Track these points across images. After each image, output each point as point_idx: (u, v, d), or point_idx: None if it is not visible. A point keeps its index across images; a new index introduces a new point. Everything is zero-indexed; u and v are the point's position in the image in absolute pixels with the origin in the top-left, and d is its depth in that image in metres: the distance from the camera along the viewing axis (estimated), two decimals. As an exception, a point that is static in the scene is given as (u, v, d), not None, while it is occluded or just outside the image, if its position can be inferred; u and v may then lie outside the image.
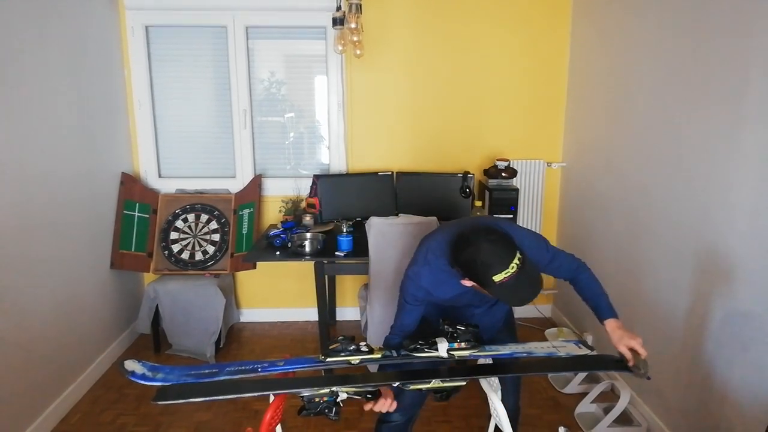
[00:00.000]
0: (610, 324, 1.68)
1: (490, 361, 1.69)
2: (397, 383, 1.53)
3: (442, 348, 1.61)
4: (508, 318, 2.04)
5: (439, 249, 1.66)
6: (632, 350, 1.61)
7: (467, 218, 1.87)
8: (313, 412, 1.49)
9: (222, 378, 1.56)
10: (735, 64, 1.91)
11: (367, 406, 1.55)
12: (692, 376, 2.18)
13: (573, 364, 1.76)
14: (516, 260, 1.43)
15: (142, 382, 1.53)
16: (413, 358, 1.62)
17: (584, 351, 1.72)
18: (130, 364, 1.57)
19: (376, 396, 1.56)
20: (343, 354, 1.59)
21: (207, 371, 1.60)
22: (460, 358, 1.63)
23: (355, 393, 1.52)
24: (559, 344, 1.76)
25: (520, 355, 1.69)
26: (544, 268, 1.74)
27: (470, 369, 1.71)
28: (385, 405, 1.55)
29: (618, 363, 1.64)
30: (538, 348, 1.72)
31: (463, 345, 1.62)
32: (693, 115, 2.16)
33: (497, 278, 1.42)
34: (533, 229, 3.56)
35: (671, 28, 2.30)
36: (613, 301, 2.85)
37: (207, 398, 1.49)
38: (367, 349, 1.60)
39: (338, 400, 1.50)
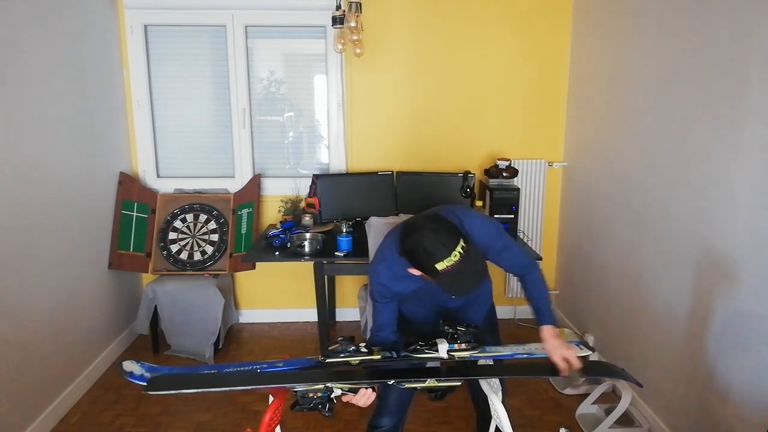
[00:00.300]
0: (548, 330, 1.64)
1: (491, 363, 1.67)
2: (393, 381, 1.52)
3: (443, 349, 1.60)
4: (490, 317, 2.01)
5: (393, 244, 1.64)
6: (567, 360, 1.58)
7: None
8: (306, 407, 1.48)
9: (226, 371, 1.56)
10: (735, 64, 1.90)
11: (346, 398, 1.53)
12: (693, 376, 2.17)
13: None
14: (459, 248, 1.41)
15: (141, 383, 1.52)
16: (413, 358, 1.61)
17: (585, 352, 1.71)
18: (129, 365, 1.57)
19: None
20: (342, 355, 1.58)
21: (205, 372, 1.59)
22: (460, 359, 1.62)
23: (349, 389, 1.51)
24: None
25: (521, 357, 1.69)
26: (495, 257, 1.70)
27: (458, 370, 1.69)
28: (364, 397, 1.52)
29: (618, 370, 1.63)
30: (539, 349, 1.70)
31: (463, 346, 1.61)
32: (693, 115, 2.15)
33: (440, 266, 1.41)
34: (534, 229, 3.56)
35: (671, 28, 2.29)
36: (615, 300, 2.85)
37: (199, 390, 1.47)
38: (366, 350, 1.59)
39: (332, 396, 1.49)
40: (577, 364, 1.57)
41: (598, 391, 2.66)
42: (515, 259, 1.72)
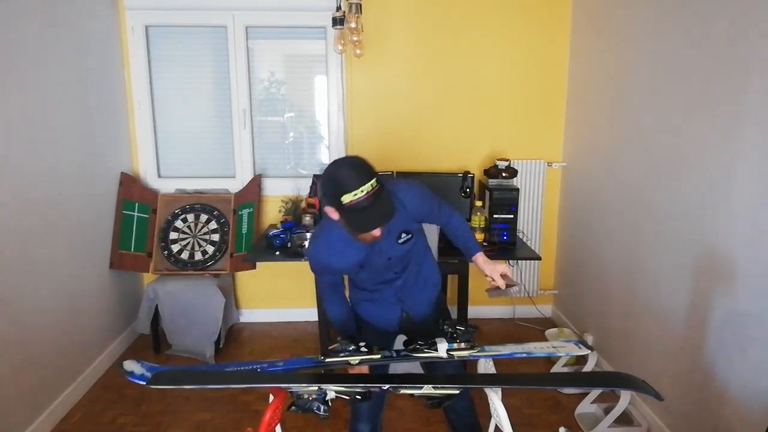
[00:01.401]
0: (479, 257, 1.79)
1: (492, 367, 1.67)
2: (388, 386, 1.53)
3: (442, 348, 1.60)
4: (438, 303, 2.00)
5: (325, 219, 1.68)
6: (504, 276, 1.72)
7: None
8: (301, 408, 1.49)
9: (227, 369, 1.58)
10: (735, 64, 1.91)
11: (353, 370, 1.59)
12: (692, 376, 2.18)
13: (580, 379, 1.75)
14: (369, 185, 1.45)
15: (141, 382, 1.53)
16: (413, 358, 1.62)
17: (584, 351, 1.72)
18: (129, 365, 1.58)
19: (364, 395, 1.55)
20: (342, 354, 1.59)
21: (207, 370, 1.61)
22: (459, 359, 1.63)
23: (344, 392, 1.52)
24: (558, 344, 1.76)
25: (519, 356, 1.69)
26: (431, 218, 1.85)
27: (468, 378, 1.69)
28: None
29: (633, 381, 1.59)
30: (537, 348, 1.71)
31: (462, 345, 1.62)
32: (693, 115, 2.16)
33: (346, 199, 1.45)
34: (533, 229, 3.57)
35: (671, 29, 2.30)
36: (613, 300, 2.86)
37: (199, 386, 1.52)
38: (366, 350, 1.60)
39: (327, 398, 1.50)
40: (510, 276, 1.73)
41: (597, 391, 2.66)
42: (445, 212, 1.87)
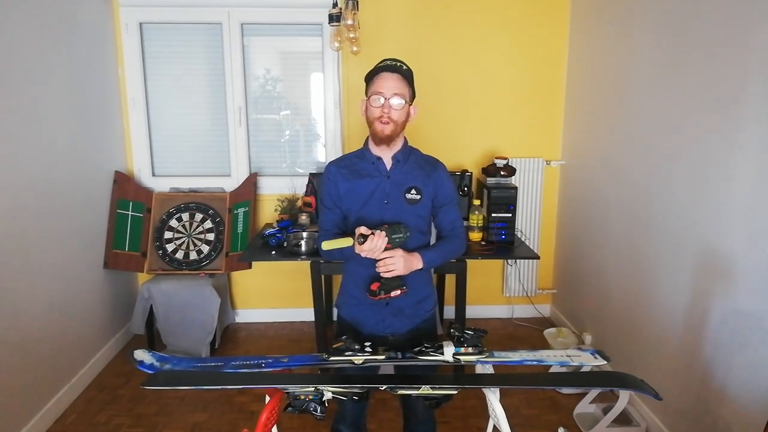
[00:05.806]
0: (406, 255, 1.65)
1: (490, 368, 1.65)
2: (385, 386, 1.50)
3: (448, 352, 1.57)
4: (427, 329, 1.89)
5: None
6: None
7: None
8: (298, 409, 1.48)
9: (225, 371, 1.56)
10: (733, 63, 1.89)
11: (358, 249, 1.57)
12: (691, 375, 2.16)
13: (579, 379, 1.71)
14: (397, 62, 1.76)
15: (151, 372, 1.53)
16: (418, 360, 1.59)
17: (600, 361, 1.62)
18: (140, 354, 1.59)
19: (361, 396, 1.53)
20: (347, 353, 1.57)
21: (212, 364, 1.60)
22: (466, 363, 1.60)
23: (341, 393, 1.50)
24: (573, 353, 1.65)
25: (530, 363, 1.61)
26: (440, 207, 1.80)
27: (466, 378, 1.66)
28: (379, 238, 1.56)
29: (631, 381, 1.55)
30: (550, 357, 1.64)
31: (470, 350, 1.59)
32: (691, 113, 2.14)
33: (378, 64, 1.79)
34: (532, 228, 3.56)
35: (670, 27, 2.29)
36: (612, 299, 2.84)
37: (194, 387, 1.52)
38: (370, 350, 1.58)
39: (323, 399, 1.48)
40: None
41: (596, 391, 2.65)
42: (456, 220, 1.82)
